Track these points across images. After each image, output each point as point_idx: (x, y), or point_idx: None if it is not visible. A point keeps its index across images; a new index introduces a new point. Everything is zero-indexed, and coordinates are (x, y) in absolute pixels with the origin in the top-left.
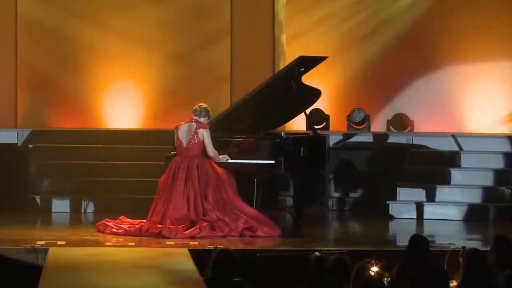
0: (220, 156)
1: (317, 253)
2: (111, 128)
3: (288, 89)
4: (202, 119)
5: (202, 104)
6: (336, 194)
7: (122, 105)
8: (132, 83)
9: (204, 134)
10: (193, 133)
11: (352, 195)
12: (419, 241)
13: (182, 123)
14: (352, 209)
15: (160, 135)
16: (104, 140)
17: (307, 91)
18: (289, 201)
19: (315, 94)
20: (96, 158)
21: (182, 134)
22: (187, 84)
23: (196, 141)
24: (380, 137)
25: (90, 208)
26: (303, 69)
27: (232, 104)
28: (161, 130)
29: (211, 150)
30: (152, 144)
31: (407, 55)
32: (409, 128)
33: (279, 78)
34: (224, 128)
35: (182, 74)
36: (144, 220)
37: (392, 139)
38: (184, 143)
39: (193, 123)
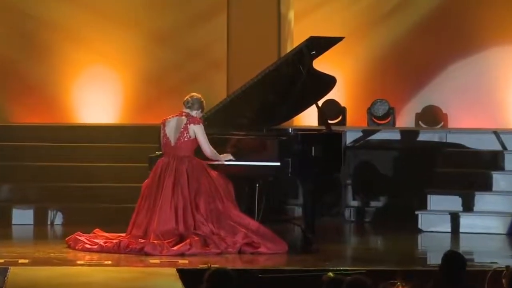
0: (222, 156)
1: (331, 273)
2: (84, 124)
3: (297, 76)
4: (194, 113)
5: (195, 94)
6: (354, 203)
7: (97, 95)
8: (109, 70)
9: (197, 131)
10: (182, 129)
11: (373, 204)
12: (454, 259)
13: (170, 117)
14: (374, 220)
15: (143, 131)
16: (75, 137)
17: (319, 78)
18: (298, 211)
19: (329, 82)
20: (65, 159)
21: (170, 130)
22: (175, 70)
23: (186, 138)
24: (407, 134)
25: (58, 219)
26: (314, 52)
27: (229, 94)
28: (144, 125)
29: (208, 149)
30: (134, 143)
31: (438, 35)
32: (442, 123)
33: (286, 63)
34: (219, 123)
35: (169, 58)
36: (123, 234)
37: (421, 137)
38: (172, 141)
39: (183, 117)
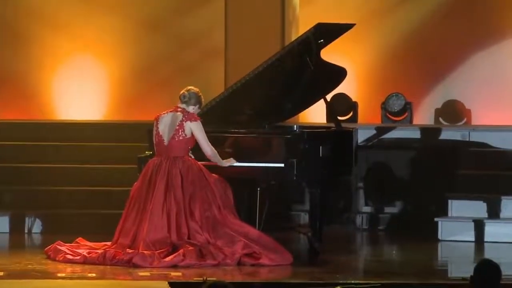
0: (225, 161)
1: (340, 287)
2: (65, 120)
3: (303, 67)
4: (191, 108)
5: (192, 87)
6: (366, 209)
7: (80, 89)
8: (94, 60)
9: (194, 129)
10: (177, 127)
11: (388, 209)
12: (489, 269)
13: (164, 112)
14: (388, 228)
15: (132, 129)
16: (55, 136)
17: (328, 70)
18: (304, 218)
19: (338, 74)
20: (44, 160)
21: (164, 128)
22: (167, 61)
23: (181, 137)
24: (425, 132)
25: (37, 227)
26: (322, 40)
27: (227, 87)
28: (133, 122)
29: (208, 148)
30: (121, 142)
31: (460, 22)
32: (465, 119)
33: (290, 52)
34: (215, 120)
35: (161, 47)
36: (109, 243)
37: (442, 135)
38: (166, 140)
39: (179, 113)
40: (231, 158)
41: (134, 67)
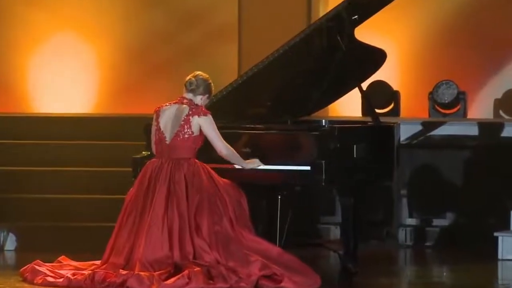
0: (248, 161)
1: None
2: (44, 114)
3: (333, 49)
4: (198, 98)
5: (200, 73)
6: (411, 221)
7: (63, 76)
8: (80, 41)
9: (203, 124)
10: (182, 122)
11: (437, 222)
12: None
13: (166, 104)
14: (438, 244)
15: (125, 124)
16: (33, 133)
17: (364, 53)
18: (335, 232)
19: (376, 57)
20: (18, 161)
21: (166, 123)
22: (167, 42)
23: (186, 135)
24: (483, 128)
25: (10, 243)
26: (356, 16)
27: (241, 74)
28: (126, 116)
29: (222, 146)
30: (112, 139)
31: None
32: None
33: (318, 31)
34: (228, 112)
35: (161, 25)
36: (98, 262)
37: (504, 131)
38: (168, 138)
39: (184, 105)
40: (256, 159)
41: (128, 49)
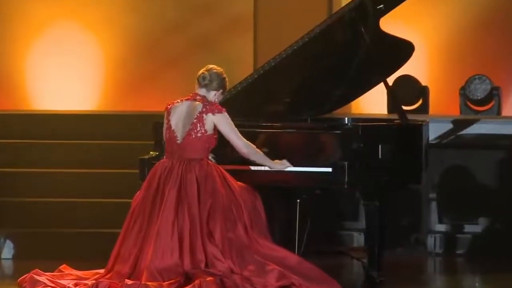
0: (275, 162)
1: None
2: (44, 111)
3: (356, 41)
4: (212, 94)
5: (214, 66)
6: (441, 227)
7: (64, 70)
8: (82, 32)
9: (219, 122)
10: (195, 120)
11: (469, 228)
12: None
13: (178, 101)
14: (470, 253)
15: (131, 122)
16: (31, 132)
17: (390, 45)
18: (359, 239)
19: (403, 50)
20: (16, 162)
21: (178, 121)
22: (178, 33)
23: (199, 134)
24: None
25: (7, 251)
26: (382, 6)
27: (257, 67)
28: (133, 113)
29: (241, 144)
30: (117, 139)
31: None
32: None
33: (340, 22)
34: (242, 109)
35: (172, 15)
36: (102, 271)
37: None
38: (179, 137)
39: (197, 102)
40: (284, 160)
41: (135, 41)
